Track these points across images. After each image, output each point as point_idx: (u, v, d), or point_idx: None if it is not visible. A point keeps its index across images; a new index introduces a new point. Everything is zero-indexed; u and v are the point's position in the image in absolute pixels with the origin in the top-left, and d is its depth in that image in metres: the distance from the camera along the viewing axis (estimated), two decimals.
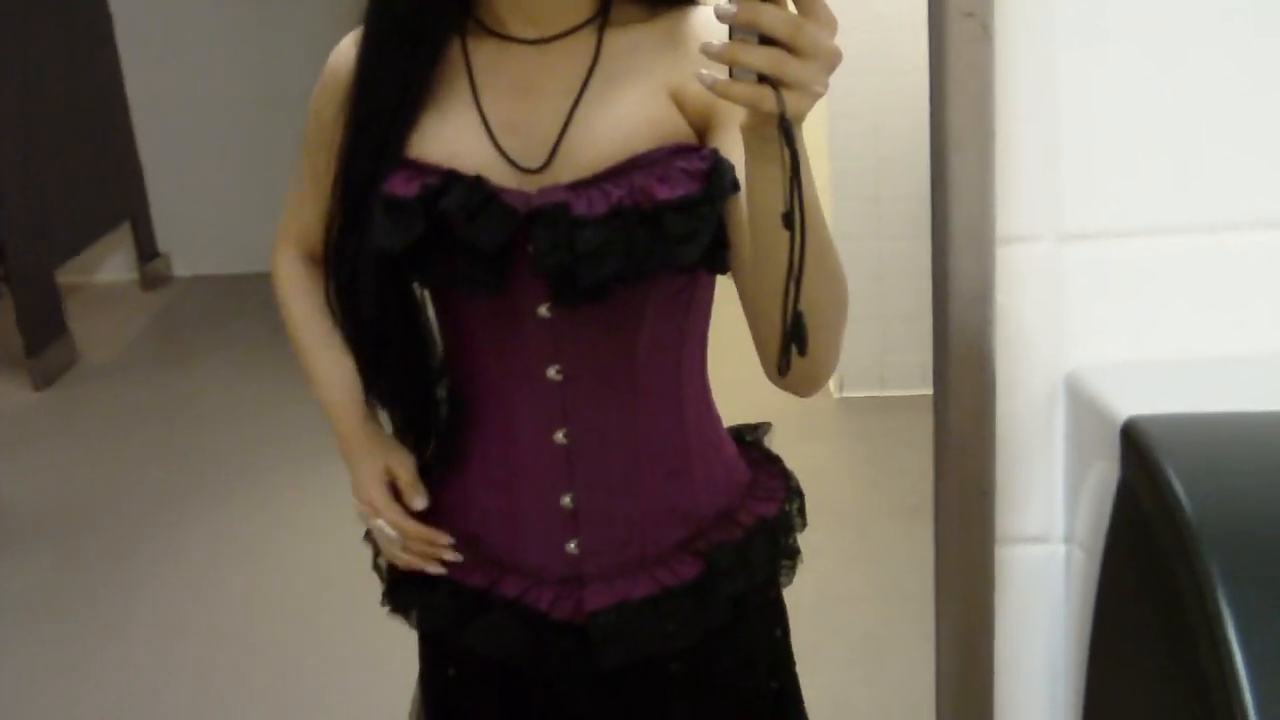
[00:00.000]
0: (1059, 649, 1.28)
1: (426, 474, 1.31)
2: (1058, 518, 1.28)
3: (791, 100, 0.86)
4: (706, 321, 1.25)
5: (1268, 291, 1.21)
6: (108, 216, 5.30)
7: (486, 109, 1.16)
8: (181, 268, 5.73)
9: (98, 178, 5.16)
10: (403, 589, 1.34)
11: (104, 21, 5.30)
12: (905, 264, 3.81)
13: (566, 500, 1.23)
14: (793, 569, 1.35)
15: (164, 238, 5.67)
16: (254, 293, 5.41)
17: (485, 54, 1.18)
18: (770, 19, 0.84)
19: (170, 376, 4.71)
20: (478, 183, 1.12)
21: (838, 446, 3.66)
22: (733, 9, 0.85)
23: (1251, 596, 0.86)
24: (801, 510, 1.35)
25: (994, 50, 1.16)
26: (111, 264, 5.65)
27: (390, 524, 1.28)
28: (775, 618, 1.37)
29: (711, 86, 0.87)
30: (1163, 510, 0.91)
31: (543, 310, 1.17)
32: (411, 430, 1.33)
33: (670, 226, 1.08)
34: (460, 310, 1.22)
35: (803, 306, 0.92)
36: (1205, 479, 0.90)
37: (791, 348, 0.94)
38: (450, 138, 1.15)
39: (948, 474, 1.27)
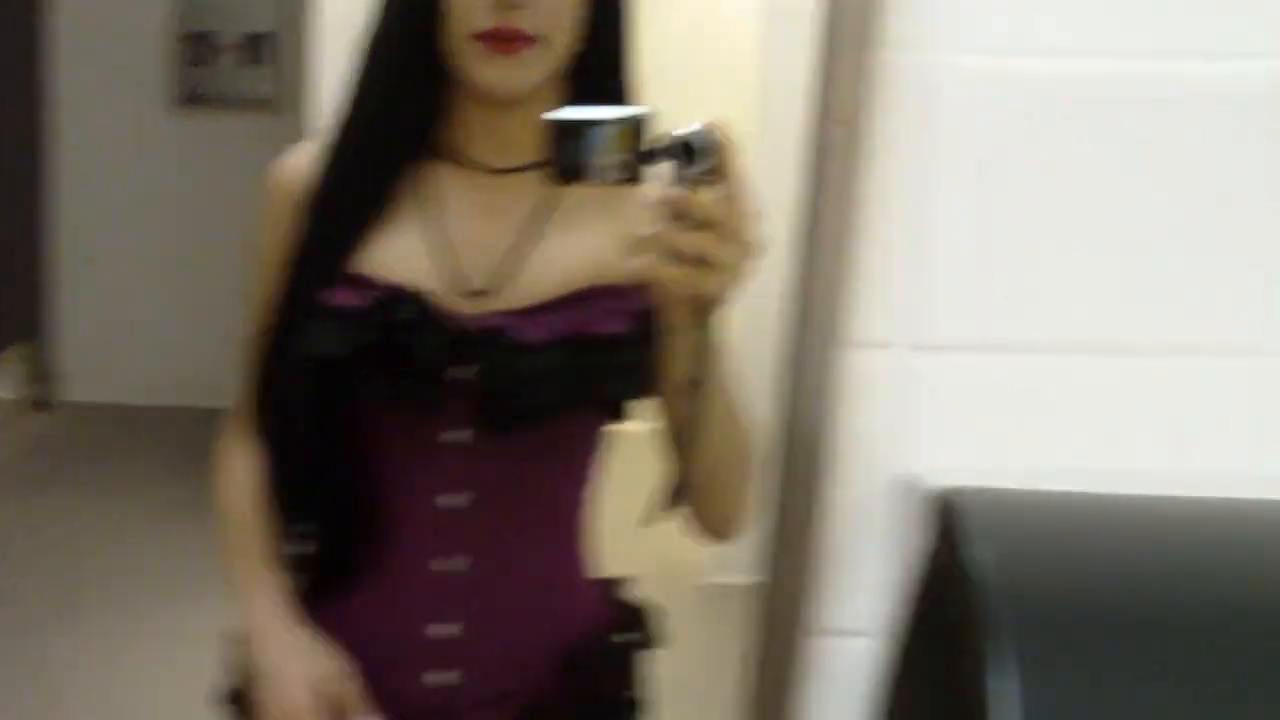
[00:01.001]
0: None
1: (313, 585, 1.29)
2: (879, 614, 1.30)
3: (713, 282, 0.92)
4: (603, 457, 1.29)
5: (1097, 412, 1.27)
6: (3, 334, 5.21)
7: (441, 230, 1.19)
8: (75, 392, 5.62)
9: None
10: None
11: (37, 128, 5.30)
12: None
13: (453, 630, 1.24)
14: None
15: (61, 359, 5.58)
16: (144, 425, 5.32)
17: (445, 178, 1.21)
18: (707, 205, 0.90)
19: (42, 498, 4.56)
20: (418, 299, 1.15)
21: None
22: (670, 197, 0.91)
23: (1036, 659, 0.88)
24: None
25: (864, 159, 1.24)
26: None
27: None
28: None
29: (640, 271, 0.92)
30: (956, 571, 0.93)
31: (460, 436, 1.19)
32: (323, 544, 1.30)
33: (612, 360, 1.13)
34: (372, 431, 1.22)
35: (703, 458, 1.03)
36: (1004, 542, 0.93)
37: (672, 499, 1.03)
38: (399, 256, 1.18)
39: (775, 565, 1.29)
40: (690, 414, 0.97)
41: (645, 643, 1.34)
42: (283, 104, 5.27)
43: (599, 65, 1.17)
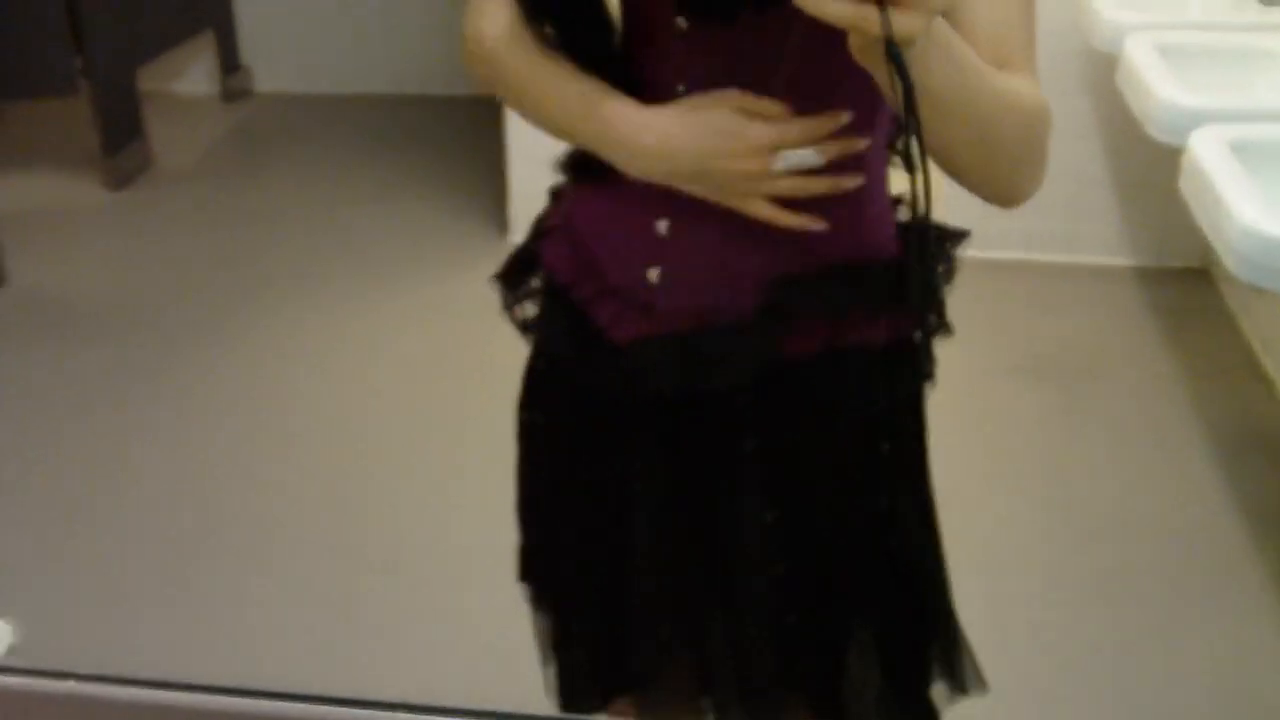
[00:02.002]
0: None
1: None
2: None
3: (900, 21, 0.74)
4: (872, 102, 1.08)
5: None
6: (192, 22, 5.14)
7: None
8: (264, 83, 5.58)
9: None
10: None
11: None
12: None
13: (661, 227, 1.13)
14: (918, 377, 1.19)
15: (248, 51, 5.51)
16: (336, 113, 5.31)
17: None
18: None
19: (242, 188, 4.60)
20: None
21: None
22: None
23: None
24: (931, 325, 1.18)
25: None
26: (193, 74, 5.51)
27: (798, 139, 1.05)
28: (884, 429, 1.21)
29: (803, 4, 0.74)
30: None
31: (679, 22, 1.07)
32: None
33: None
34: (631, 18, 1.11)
35: (957, 151, 0.93)
36: None
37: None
38: None
39: None
40: (919, 136, 0.80)
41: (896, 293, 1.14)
42: None
43: None
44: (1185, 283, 3.72)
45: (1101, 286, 3.73)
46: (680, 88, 1.09)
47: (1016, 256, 3.73)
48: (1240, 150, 2.01)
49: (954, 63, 0.87)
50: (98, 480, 2.88)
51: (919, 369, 1.18)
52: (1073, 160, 3.67)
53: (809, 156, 1.05)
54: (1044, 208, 3.71)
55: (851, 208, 1.12)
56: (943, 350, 1.19)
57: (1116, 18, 2.85)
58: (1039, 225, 3.75)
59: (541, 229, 1.27)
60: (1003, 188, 1.03)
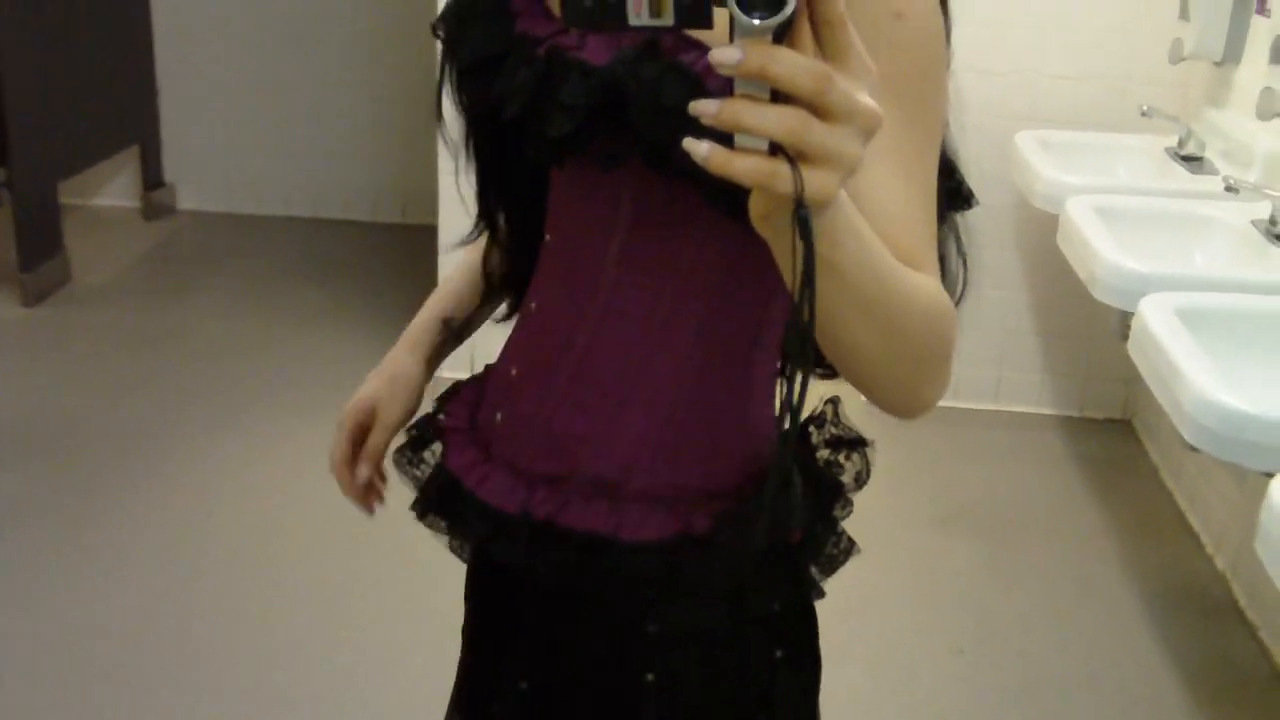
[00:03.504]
0: None
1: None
2: None
3: (814, 180, 0.65)
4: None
5: None
6: (116, 137, 5.08)
7: None
8: (187, 200, 5.52)
9: (111, 94, 4.94)
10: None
11: None
12: None
13: (513, 371, 1.14)
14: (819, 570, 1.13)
15: (172, 167, 5.46)
16: (259, 233, 5.27)
17: None
18: (787, 68, 0.62)
19: (163, 307, 4.51)
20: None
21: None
22: (736, 54, 0.62)
23: None
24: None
25: None
26: (115, 188, 5.44)
27: (334, 451, 1.24)
28: (774, 634, 1.12)
29: (705, 161, 0.65)
30: None
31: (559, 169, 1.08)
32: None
33: (566, 89, 0.93)
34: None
35: (858, 346, 0.83)
36: None
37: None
38: None
39: None
40: (811, 316, 0.67)
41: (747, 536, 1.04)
42: None
43: None
44: (1109, 434, 3.79)
45: (1026, 435, 3.78)
46: (548, 237, 1.10)
47: (942, 404, 3.76)
48: (1186, 318, 2.05)
49: (861, 240, 0.77)
50: (7, 607, 2.76)
51: (799, 577, 1.12)
52: (999, 310, 3.75)
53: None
54: (970, 356, 3.82)
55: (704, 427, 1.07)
56: (868, 498, 1.16)
57: (1058, 178, 2.92)
58: (965, 373, 3.81)
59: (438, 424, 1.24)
60: (905, 392, 0.92)
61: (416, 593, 2.80)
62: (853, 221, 0.76)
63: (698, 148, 0.65)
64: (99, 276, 4.71)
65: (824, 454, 1.15)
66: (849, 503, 1.15)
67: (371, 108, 5.29)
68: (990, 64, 3.57)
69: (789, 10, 0.61)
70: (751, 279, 1.03)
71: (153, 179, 5.37)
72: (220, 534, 3.10)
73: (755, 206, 0.71)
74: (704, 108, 0.64)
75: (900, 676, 2.67)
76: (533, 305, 1.12)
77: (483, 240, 1.24)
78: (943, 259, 1.04)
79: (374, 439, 1.23)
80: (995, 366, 3.85)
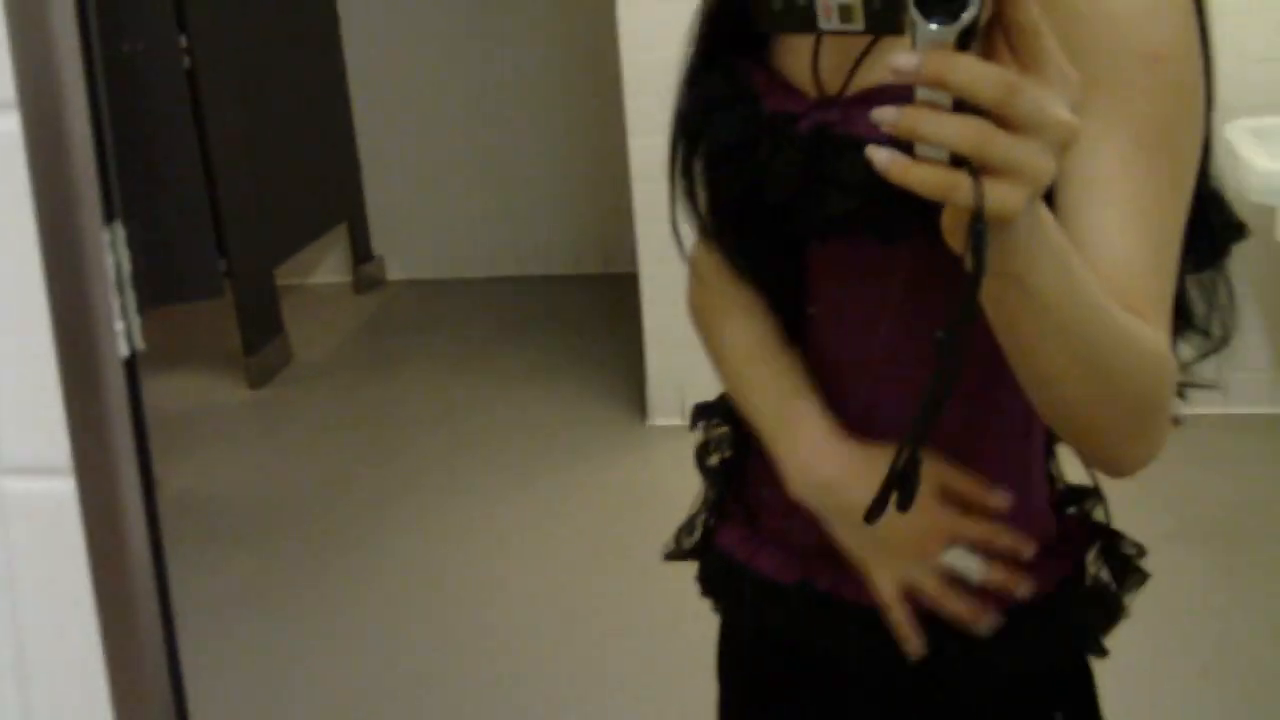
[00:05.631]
0: None
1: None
2: None
3: (995, 191, 0.63)
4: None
5: None
6: (326, 218, 5.30)
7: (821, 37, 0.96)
8: (395, 271, 5.72)
9: (318, 179, 5.17)
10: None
11: (330, 21, 5.31)
12: None
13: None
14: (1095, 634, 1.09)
15: (379, 241, 5.66)
16: (467, 297, 5.39)
17: None
18: (970, 76, 0.61)
19: (381, 379, 4.67)
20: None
21: None
22: (914, 61, 0.61)
23: None
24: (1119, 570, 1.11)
25: None
26: (326, 266, 5.67)
27: (980, 540, 0.98)
28: (1054, 695, 1.09)
29: (885, 169, 0.64)
30: None
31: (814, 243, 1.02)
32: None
33: (845, 166, 0.89)
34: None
35: (1061, 383, 0.79)
36: None
37: (890, 493, 0.74)
38: (786, 46, 1.00)
39: None
40: (967, 323, 0.66)
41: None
42: None
43: None
44: None
45: (1257, 438, 3.60)
46: (811, 310, 1.05)
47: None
48: None
49: (1065, 269, 0.74)
50: (256, 687, 2.86)
51: (1078, 628, 1.07)
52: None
53: (972, 567, 0.97)
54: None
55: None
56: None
57: (1273, 169, 2.78)
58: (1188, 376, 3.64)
59: (711, 499, 1.20)
60: (1115, 441, 0.87)
61: (657, 653, 2.81)
62: (1055, 246, 0.73)
63: (878, 155, 0.64)
64: (318, 353, 4.90)
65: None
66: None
67: (564, 165, 5.39)
68: None
69: (967, 17, 0.60)
70: None
71: (362, 253, 5.58)
72: (455, 598, 3.16)
73: (946, 220, 0.69)
74: (884, 114, 0.63)
75: (1144, 703, 2.55)
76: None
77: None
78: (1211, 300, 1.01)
79: (966, 485, 1.02)
80: (1220, 368, 3.68)
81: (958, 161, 0.63)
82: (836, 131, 0.91)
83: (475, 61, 5.39)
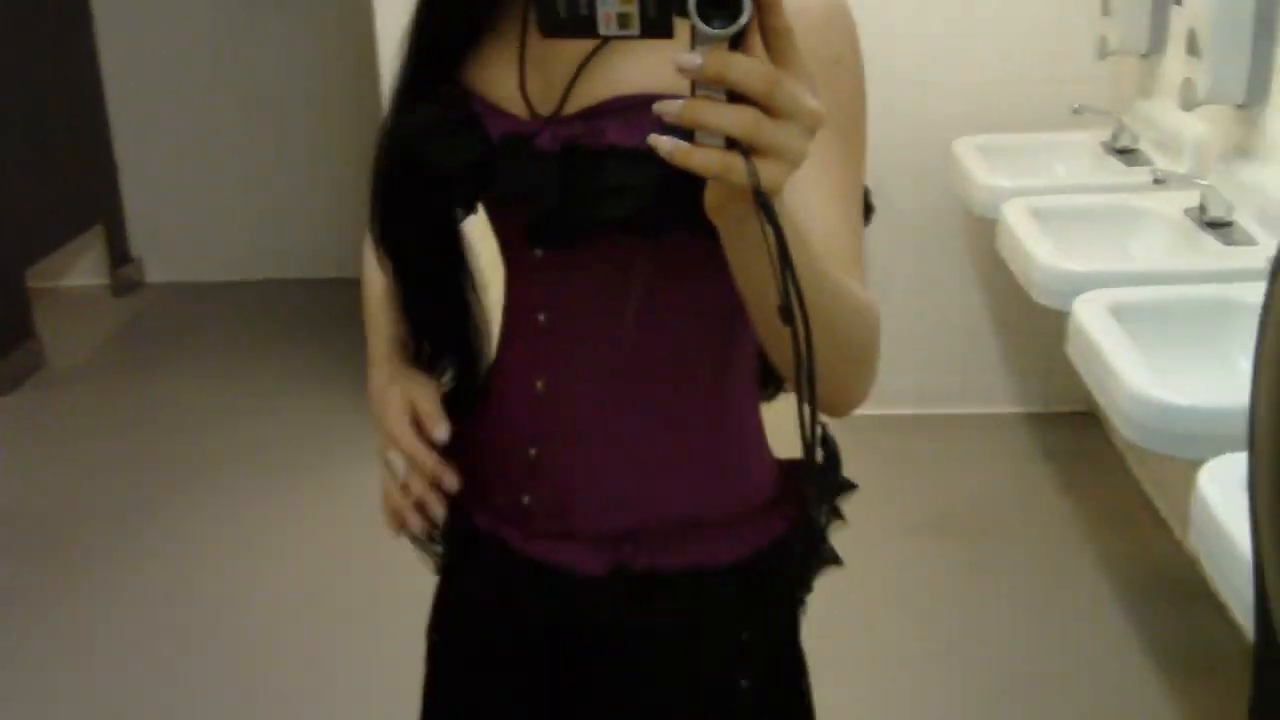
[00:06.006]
0: None
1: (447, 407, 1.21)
2: None
3: (766, 170, 0.74)
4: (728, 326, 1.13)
5: None
6: (80, 218, 5.13)
7: (527, 47, 1.07)
8: (156, 273, 5.57)
9: (71, 178, 4.99)
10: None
11: (84, 18, 5.14)
12: (911, 282, 3.73)
13: (531, 452, 1.17)
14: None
15: (138, 242, 5.50)
16: (231, 301, 5.29)
17: None
18: (742, 71, 0.72)
19: (138, 385, 4.54)
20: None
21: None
22: (696, 60, 0.72)
23: None
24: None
25: None
26: (81, 268, 5.48)
27: (406, 453, 1.16)
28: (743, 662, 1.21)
29: (670, 155, 0.75)
30: None
31: (536, 253, 1.12)
32: (441, 362, 1.26)
33: (608, 175, 0.99)
34: (503, 250, 1.18)
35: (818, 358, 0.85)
36: None
37: (814, 461, 0.85)
38: (487, 73, 1.09)
39: None
40: (792, 349, 0.78)
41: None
42: None
43: None
44: (1074, 427, 3.84)
45: (994, 435, 3.82)
46: (540, 316, 1.13)
47: (910, 411, 3.84)
48: (1120, 314, 2.10)
49: (800, 239, 0.84)
50: (1, 697, 2.79)
51: (789, 590, 1.21)
52: (958, 314, 3.80)
53: (399, 470, 1.18)
54: (935, 362, 3.86)
55: (709, 459, 1.15)
56: (848, 509, 1.26)
57: (992, 183, 2.98)
58: (931, 380, 3.86)
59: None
60: (837, 387, 0.99)
61: (405, 653, 2.83)
62: (795, 222, 0.84)
63: (662, 143, 0.75)
64: (73, 358, 4.75)
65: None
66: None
67: (325, 168, 5.32)
68: (926, 75, 3.62)
69: (744, 20, 0.71)
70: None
71: (120, 255, 5.41)
72: (210, 604, 3.13)
73: (711, 198, 0.80)
74: (669, 108, 0.74)
75: (885, 684, 2.71)
76: (538, 385, 1.14)
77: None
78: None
79: (425, 410, 1.19)
80: (959, 370, 3.90)
81: (730, 145, 0.74)
82: (586, 144, 1.01)
83: (241, 54, 5.29)
